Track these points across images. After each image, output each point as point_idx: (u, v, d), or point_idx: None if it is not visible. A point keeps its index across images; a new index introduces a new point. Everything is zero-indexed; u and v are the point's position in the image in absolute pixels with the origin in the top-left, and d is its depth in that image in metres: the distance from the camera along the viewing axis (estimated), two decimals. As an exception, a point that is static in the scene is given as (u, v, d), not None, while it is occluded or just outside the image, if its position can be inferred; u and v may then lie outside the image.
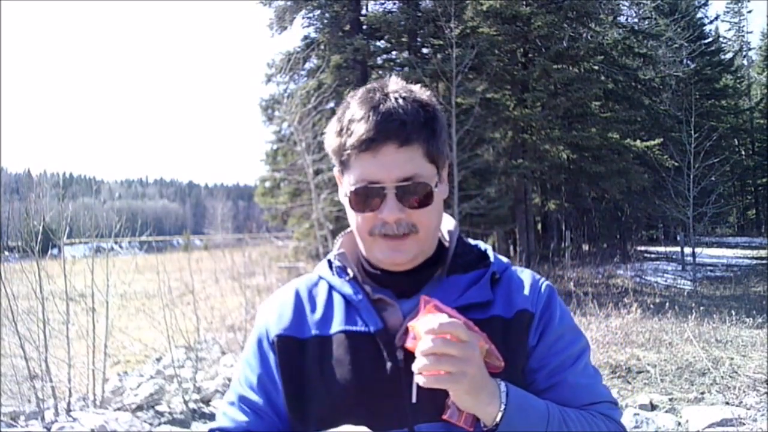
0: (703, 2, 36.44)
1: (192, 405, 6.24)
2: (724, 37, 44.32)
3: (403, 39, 18.05)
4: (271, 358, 1.16)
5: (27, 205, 6.55)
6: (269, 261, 19.02)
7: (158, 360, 8.35)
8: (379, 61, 18.72)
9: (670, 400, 5.91)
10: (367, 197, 1.09)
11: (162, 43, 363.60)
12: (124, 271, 7.57)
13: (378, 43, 18.42)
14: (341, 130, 1.12)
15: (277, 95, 19.03)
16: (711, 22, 40.43)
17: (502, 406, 0.97)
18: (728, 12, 47.87)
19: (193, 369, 6.83)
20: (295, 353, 1.13)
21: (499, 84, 18.43)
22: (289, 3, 18.03)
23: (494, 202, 16.12)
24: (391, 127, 1.08)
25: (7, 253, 6.91)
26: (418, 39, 18.08)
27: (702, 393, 6.11)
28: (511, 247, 20.83)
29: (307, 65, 18.65)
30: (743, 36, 47.86)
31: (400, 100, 1.11)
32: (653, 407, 5.69)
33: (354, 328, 1.11)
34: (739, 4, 47.56)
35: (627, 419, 5.27)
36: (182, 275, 8.67)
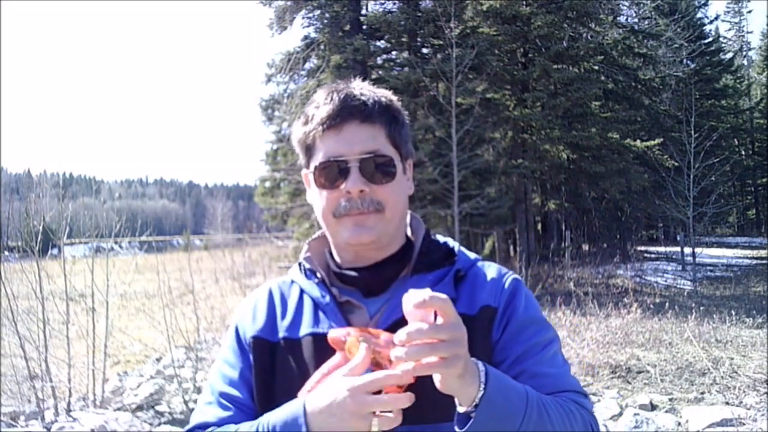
0: (703, 2, 36.47)
1: (192, 405, 6.23)
2: (724, 37, 44.40)
3: (403, 39, 18.04)
4: (250, 356, 1.17)
5: (27, 205, 6.55)
6: (269, 261, 19.03)
7: (158, 360, 8.35)
8: (379, 61, 18.72)
9: (670, 400, 5.91)
10: (331, 172, 1.12)
11: (162, 43, 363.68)
12: (124, 271, 7.57)
13: (378, 43, 18.41)
14: (306, 119, 1.17)
15: (277, 95, 19.05)
16: (711, 22, 40.56)
17: (482, 386, 0.92)
18: (728, 12, 47.97)
19: (193, 369, 6.83)
20: (267, 355, 1.14)
21: (499, 84, 18.41)
22: (289, 3, 18.02)
23: (494, 202, 16.11)
24: (353, 105, 1.12)
25: (7, 253, 6.91)
26: (418, 39, 18.08)
27: (702, 393, 6.11)
28: (511, 247, 20.84)
29: (307, 65, 18.65)
30: (743, 36, 47.92)
31: (362, 89, 1.16)
32: (653, 407, 5.69)
33: (321, 331, 1.10)
34: (739, 4, 47.63)
35: (627, 419, 5.27)
36: (182, 275, 8.66)
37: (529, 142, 18.55)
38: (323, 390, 0.96)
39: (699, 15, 35.42)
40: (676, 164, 19.25)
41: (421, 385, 0.93)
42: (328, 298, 1.15)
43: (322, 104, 1.14)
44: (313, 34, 18.39)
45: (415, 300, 0.87)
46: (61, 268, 6.26)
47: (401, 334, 0.85)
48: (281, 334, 1.16)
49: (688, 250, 19.76)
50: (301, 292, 1.20)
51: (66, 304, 6.16)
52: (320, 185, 1.14)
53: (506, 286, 1.17)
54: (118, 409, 5.98)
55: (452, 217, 14.51)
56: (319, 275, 1.19)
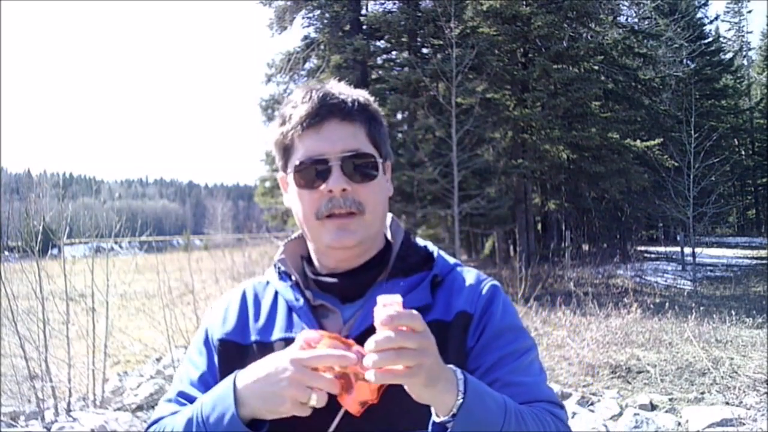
0: (703, 2, 36.48)
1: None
2: (724, 37, 44.40)
3: (403, 39, 18.05)
4: (215, 359, 1.15)
5: (27, 205, 6.54)
6: (269, 261, 19.00)
7: (158, 360, 8.34)
8: (379, 61, 18.73)
9: (670, 400, 5.91)
10: (311, 172, 1.09)
11: (162, 43, 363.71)
12: (124, 271, 7.58)
13: (378, 43, 18.42)
14: (283, 120, 1.14)
15: (277, 95, 19.04)
16: (711, 22, 40.52)
17: (460, 395, 0.89)
18: (728, 12, 47.96)
19: (193, 369, 6.82)
20: (236, 359, 1.11)
21: (499, 84, 18.43)
22: (289, 3, 18.02)
23: (494, 202, 16.12)
24: (333, 103, 1.10)
25: (7, 253, 6.90)
26: (418, 39, 18.08)
27: (702, 393, 6.11)
28: (511, 247, 20.85)
29: (307, 65, 18.66)
30: (743, 36, 47.92)
31: (339, 88, 1.14)
32: (653, 407, 5.69)
33: (293, 335, 1.07)
34: (739, 4, 47.63)
35: (627, 419, 5.27)
36: (182, 275, 8.68)
37: (529, 142, 18.56)
38: (262, 362, 0.96)
39: (699, 15, 35.44)
40: (676, 164, 19.25)
41: (396, 392, 0.90)
42: (301, 302, 1.13)
43: (300, 103, 1.11)
44: (313, 34, 18.40)
45: (382, 316, 0.85)
46: (61, 268, 6.26)
47: (370, 342, 0.84)
48: (253, 337, 1.13)
49: (688, 250, 19.77)
50: (276, 293, 1.18)
51: (66, 304, 6.16)
52: (300, 185, 1.11)
53: (483, 292, 1.14)
54: (118, 409, 5.98)
55: (452, 217, 14.52)
56: (293, 278, 1.17)
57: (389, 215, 1.24)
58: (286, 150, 1.15)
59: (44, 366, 5.76)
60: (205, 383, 1.13)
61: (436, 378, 0.88)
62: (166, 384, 6.70)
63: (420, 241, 1.23)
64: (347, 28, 17.47)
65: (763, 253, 24.12)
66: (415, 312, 0.87)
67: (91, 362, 6.20)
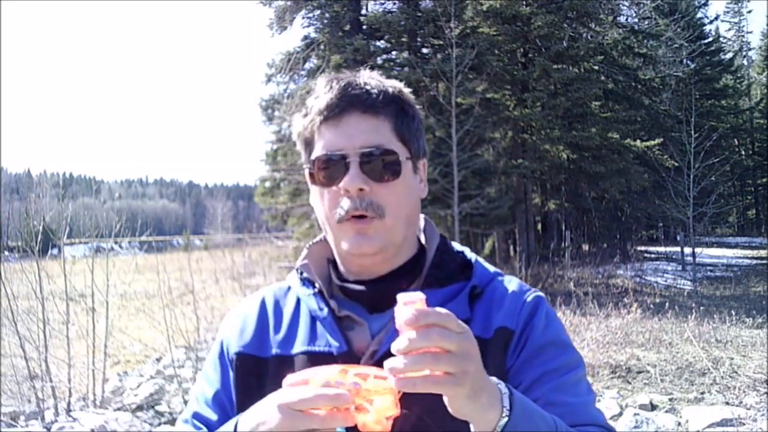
0: (703, 2, 36.50)
1: (192, 405, 6.24)
2: (724, 37, 44.42)
3: (403, 39, 18.05)
4: (231, 375, 1.07)
5: (27, 205, 6.55)
6: (269, 261, 19.05)
7: (158, 360, 8.34)
8: (379, 61, 18.70)
9: (670, 400, 5.91)
10: (329, 168, 1.01)
11: (162, 43, 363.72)
12: (124, 271, 7.58)
13: (378, 43, 18.42)
14: (305, 111, 1.06)
15: (277, 95, 19.06)
16: (711, 22, 40.53)
17: (505, 411, 0.78)
18: (728, 12, 47.97)
19: (193, 369, 6.83)
20: (254, 373, 1.04)
21: (499, 84, 18.42)
22: (289, 3, 18.03)
23: (494, 202, 16.12)
24: (355, 94, 1.01)
25: (7, 253, 6.91)
26: (418, 39, 18.08)
27: (702, 393, 6.11)
28: (511, 247, 20.84)
29: (307, 65, 18.66)
30: (743, 36, 47.93)
31: (367, 78, 1.05)
32: (653, 407, 5.69)
33: (317, 349, 1.00)
34: (739, 4, 47.64)
35: (627, 419, 5.27)
36: (182, 275, 8.67)
37: (529, 142, 18.56)
38: (257, 407, 0.85)
39: (699, 15, 35.46)
40: (676, 164, 19.26)
41: (429, 408, 0.82)
42: (325, 311, 1.03)
43: (321, 94, 1.04)
44: (313, 34, 18.41)
45: (406, 315, 0.73)
46: (61, 268, 6.26)
47: (400, 341, 0.72)
48: (273, 350, 1.04)
49: (688, 250, 19.77)
50: (298, 301, 1.09)
51: (66, 304, 6.16)
52: (318, 182, 1.03)
53: (526, 304, 1.03)
54: (118, 409, 5.98)
55: (452, 217, 14.51)
56: (317, 285, 1.07)
57: (423, 217, 1.15)
58: (307, 144, 1.07)
59: (44, 366, 5.76)
60: (219, 403, 1.06)
61: (480, 389, 0.77)
62: (166, 384, 6.70)
63: (456, 247, 1.13)
64: (347, 28, 17.48)
65: (763, 253, 24.12)
66: (446, 310, 0.75)
67: (91, 362, 6.20)
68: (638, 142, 19.34)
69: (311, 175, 1.04)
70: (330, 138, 1.01)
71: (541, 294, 1.07)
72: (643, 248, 24.98)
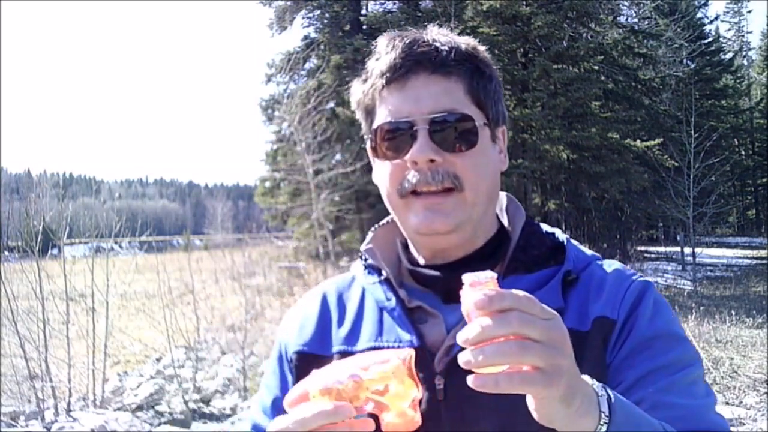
0: (703, 2, 36.52)
1: (192, 405, 6.25)
2: (724, 37, 44.45)
3: (403, 39, 18.11)
4: (290, 379, 0.98)
5: (27, 205, 6.55)
6: (269, 261, 19.03)
7: (158, 360, 8.35)
8: (379, 61, 18.75)
9: (670, 400, 5.91)
10: (394, 139, 0.88)
11: (162, 43, 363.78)
12: (124, 271, 7.58)
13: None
14: (365, 75, 0.95)
15: (277, 95, 19.07)
16: (711, 22, 40.53)
17: (604, 418, 0.65)
18: (728, 12, 47.98)
19: (193, 369, 6.84)
20: None
21: (499, 84, 18.46)
22: (289, 3, 18.06)
23: (494, 202, 16.13)
24: (422, 52, 0.88)
25: (7, 253, 6.91)
26: (418, 39, 18.13)
27: (702, 393, 6.12)
28: (511, 247, 20.81)
29: (307, 65, 18.69)
30: (743, 36, 47.96)
31: (435, 33, 0.92)
32: (653, 407, 5.69)
33: (384, 344, 0.89)
34: (739, 4, 47.67)
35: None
36: (182, 275, 8.68)
37: (529, 142, 18.57)
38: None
39: (699, 15, 35.49)
40: (676, 164, 19.27)
41: (508, 412, 0.71)
42: (393, 302, 0.91)
43: (383, 54, 0.91)
44: (313, 34, 18.45)
45: (476, 297, 0.59)
46: (61, 268, 6.26)
47: (470, 329, 0.59)
48: (336, 347, 0.94)
49: (688, 250, 19.77)
50: (363, 292, 0.98)
51: (66, 304, 6.17)
52: (381, 155, 0.90)
53: (629, 291, 0.90)
54: (118, 409, 5.99)
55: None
56: (384, 273, 0.95)
57: (505, 194, 1.03)
58: (368, 112, 0.94)
59: (44, 366, 5.76)
60: (279, 410, 0.91)
61: (574, 390, 0.63)
62: (166, 384, 6.71)
63: (546, 228, 0.99)
64: (347, 28, 17.50)
65: (763, 253, 24.13)
66: (525, 293, 0.62)
67: (91, 362, 6.21)
68: (638, 142, 19.35)
69: (373, 148, 0.92)
70: (394, 103, 0.89)
71: (648, 279, 0.94)
72: (643, 248, 24.99)
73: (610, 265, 0.95)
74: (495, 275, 0.63)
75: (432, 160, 0.86)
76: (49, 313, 6.02)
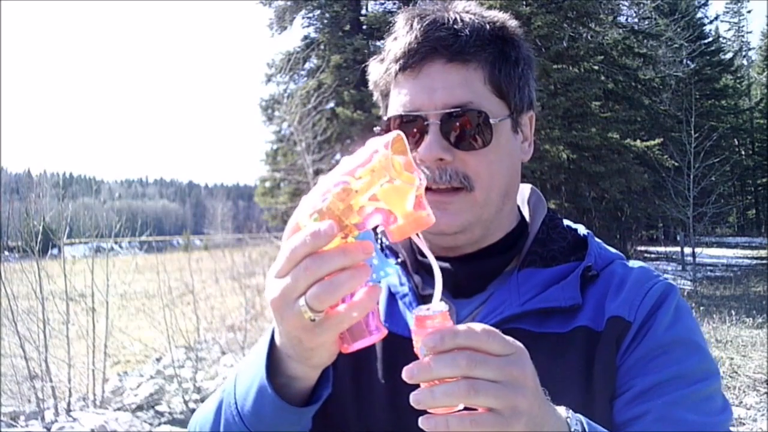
0: (703, 2, 36.54)
1: (192, 405, 6.24)
2: (724, 37, 44.47)
3: (403, 39, 18.11)
4: None
5: (27, 205, 6.56)
6: (269, 261, 19.01)
7: (158, 360, 8.34)
8: (379, 61, 18.76)
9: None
10: (404, 131, 0.76)
11: (162, 43, 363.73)
12: (124, 271, 7.58)
13: (378, 43, 18.43)
14: (382, 56, 0.89)
15: (277, 95, 19.06)
16: (711, 22, 40.57)
17: None
18: (728, 12, 48.00)
19: (193, 369, 6.83)
20: None
21: (499, 84, 18.45)
22: (289, 3, 18.06)
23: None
24: (440, 36, 0.82)
25: (7, 253, 6.91)
26: (418, 39, 18.13)
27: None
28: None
29: (307, 65, 18.69)
30: (743, 36, 47.98)
31: (461, 13, 0.86)
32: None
33: (395, 329, 0.83)
34: (739, 4, 47.68)
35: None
36: (182, 275, 8.67)
37: (529, 142, 18.59)
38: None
39: (699, 15, 35.50)
40: (676, 164, 19.27)
41: None
42: (406, 288, 0.88)
43: (400, 35, 0.85)
44: (313, 34, 18.45)
45: (423, 337, 0.56)
46: (61, 268, 6.26)
47: (416, 367, 0.56)
48: None
49: (688, 250, 19.77)
50: None
51: (66, 304, 6.17)
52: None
53: (650, 293, 0.84)
54: (118, 409, 5.98)
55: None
56: (401, 257, 0.91)
57: (527, 187, 0.98)
58: (384, 95, 0.90)
59: (44, 366, 5.76)
60: None
61: (537, 431, 0.59)
62: (166, 384, 6.70)
63: (569, 223, 0.96)
64: (347, 28, 17.50)
65: (763, 253, 24.13)
66: (486, 326, 0.58)
67: (91, 362, 6.21)
68: (638, 142, 19.35)
69: None
70: (407, 93, 0.84)
71: (672, 284, 0.88)
72: (643, 248, 24.99)
73: (635, 265, 0.91)
74: (446, 308, 0.59)
75: (441, 159, 0.82)
76: (49, 313, 6.02)
